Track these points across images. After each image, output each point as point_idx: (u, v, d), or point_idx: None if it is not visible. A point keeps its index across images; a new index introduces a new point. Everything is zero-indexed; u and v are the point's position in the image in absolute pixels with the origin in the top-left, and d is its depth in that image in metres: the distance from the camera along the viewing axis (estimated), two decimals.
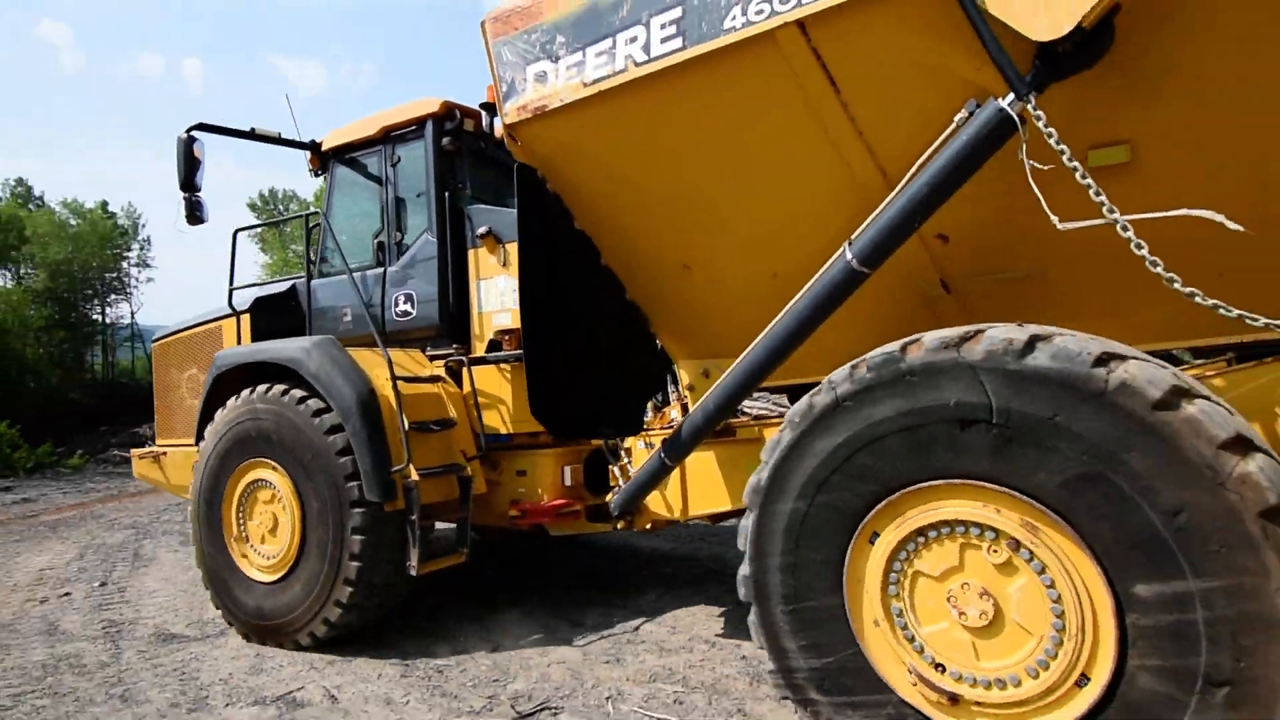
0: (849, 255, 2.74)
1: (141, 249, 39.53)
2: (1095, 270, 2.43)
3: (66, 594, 5.88)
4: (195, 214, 5.25)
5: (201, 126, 5.23)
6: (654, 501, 4.12)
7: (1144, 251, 2.26)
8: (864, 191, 2.84)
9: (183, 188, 5.13)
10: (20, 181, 43.00)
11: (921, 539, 2.45)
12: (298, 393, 4.48)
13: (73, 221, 35.90)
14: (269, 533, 4.60)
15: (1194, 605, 1.96)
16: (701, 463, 3.89)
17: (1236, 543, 1.90)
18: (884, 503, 2.46)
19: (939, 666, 2.40)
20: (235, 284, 5.60)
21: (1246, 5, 2.13)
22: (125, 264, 38.33)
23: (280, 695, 3.70)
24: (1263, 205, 2.29)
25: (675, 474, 3.98)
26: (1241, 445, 1.95)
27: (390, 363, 4.44)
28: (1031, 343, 2.19)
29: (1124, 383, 2.05)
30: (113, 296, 36.82)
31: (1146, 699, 2.03)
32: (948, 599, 2.40)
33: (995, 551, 2.32)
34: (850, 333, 2.81)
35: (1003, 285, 2.77)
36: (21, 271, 34.17)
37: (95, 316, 35.50)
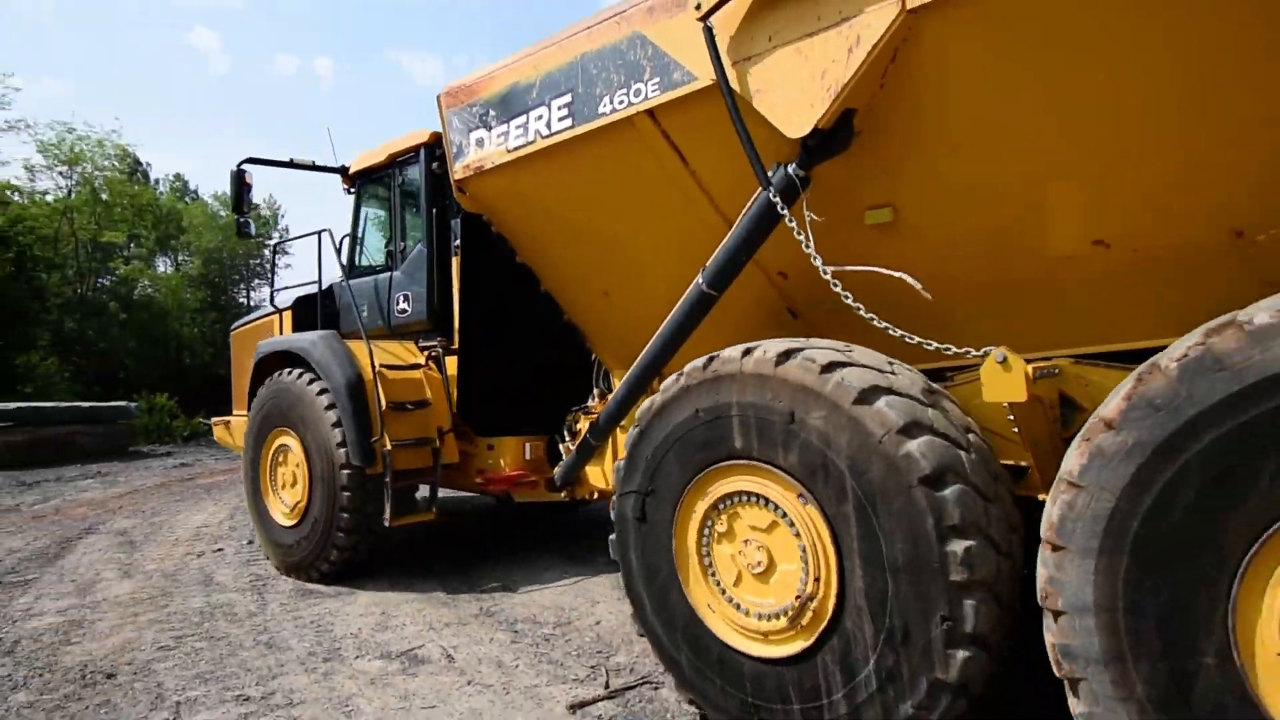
0: (700, 281, 3.42)
1: (280, 237, 42.38)
2: (895, 301, 2.96)
3: (219, 549, 6.49)
4: (243, 232, 6.34)
5: (250, 160, 6.21)
6: (593, 474, 4.79)
7: (850, 300, 2.94)
8: (715, 234, 3.42)
9: (234, 210, 6.23)
10: (178, 177, 46.99)
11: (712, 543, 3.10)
12: (309, 376, 5.41)
13: (222, 213, 38.98)
14: (290, 486, 5.58)
15: (830, 466, 2.59)
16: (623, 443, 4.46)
17: (805, 399, 2.65)
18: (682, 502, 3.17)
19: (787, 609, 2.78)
20: (276, 287, 6.79)
21: (959, 103, 2.66)
22: (267, 251, 41.30)
23: (404, 651, 3.99)
24: (997, 256, 2.88)
25: (608, 452, 4.61)
26: (787, 356, 2.74)
27: (371, 353, 5.21)
28: (708, 360, 3.01)
29: (757, 358, 2.81)
30: (256, 281, 39.79)
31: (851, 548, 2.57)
32: (740, 564, 2.93)
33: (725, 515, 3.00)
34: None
35: (836, 312, 3.25)
36: (179, 259, 37.38)
37: (241, 299, 38.51)
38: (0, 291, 21.44)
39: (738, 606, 2.92)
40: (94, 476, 12.15)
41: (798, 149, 2.98)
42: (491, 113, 4.16)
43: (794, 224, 3.04)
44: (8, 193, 26.01)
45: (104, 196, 27.92)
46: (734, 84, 3.06)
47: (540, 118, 3.87)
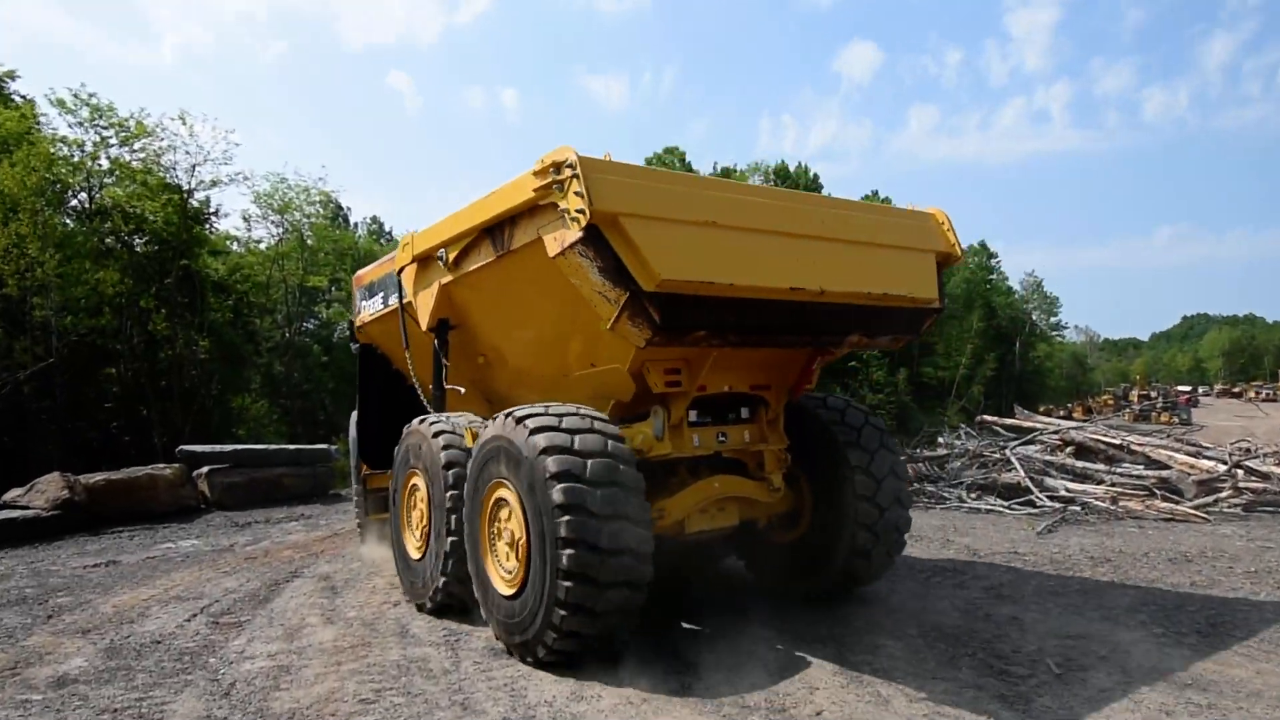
0: (431, 386, 7.36)
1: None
2: (502, 394, 7.11)
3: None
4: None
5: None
6: None
7: (457, 389, 7.13)
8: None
9: (351, 340, 10.44)
10: (374, 220, 52.41)
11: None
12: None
13: None
14: None
15: (428, 465, 6.59)
16: None
17: (422, 440, 6.66)
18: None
19: None
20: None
21: (480, 312, 6.67)
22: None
23: None
24: (520, 377, 6.82)
25: None
26: (433, 426, 6.55)
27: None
28: (437, 426, 6.51)
29: (428, 426, 6.57)
30: None
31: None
32: None
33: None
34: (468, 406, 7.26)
35: (508, 399, 6.75)
36: None
37: None
38: (220, 337, 24.86)
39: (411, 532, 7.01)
40: (298, 519, 13.47)
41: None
42: (364, 293, 8.66)
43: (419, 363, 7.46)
44: (228, 243, 30.23)
45: (309, 242, 31.66)
46: (411, 302, 7.23)
47: (375, 301, 8.32)
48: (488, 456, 5.44)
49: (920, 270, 5.97)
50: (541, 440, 4.91)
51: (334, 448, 20.47)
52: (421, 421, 6.68)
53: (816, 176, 52.35)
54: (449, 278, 6.38)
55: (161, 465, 15.35)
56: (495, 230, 5.58)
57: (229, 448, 17.30)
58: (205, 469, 15.71)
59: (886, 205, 6.13)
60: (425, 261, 6.75)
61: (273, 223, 31.27)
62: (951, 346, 53.49)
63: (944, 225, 6.19)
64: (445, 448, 6.19)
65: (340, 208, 42.69)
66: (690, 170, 47.28)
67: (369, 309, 8.43)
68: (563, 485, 4.73)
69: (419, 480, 6.64)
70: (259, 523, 13.11)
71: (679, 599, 6.65)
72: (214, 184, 24.88)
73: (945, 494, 12.90)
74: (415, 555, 6.72)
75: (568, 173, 4.62)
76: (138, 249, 23.17)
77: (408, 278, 7.17)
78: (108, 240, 22.46)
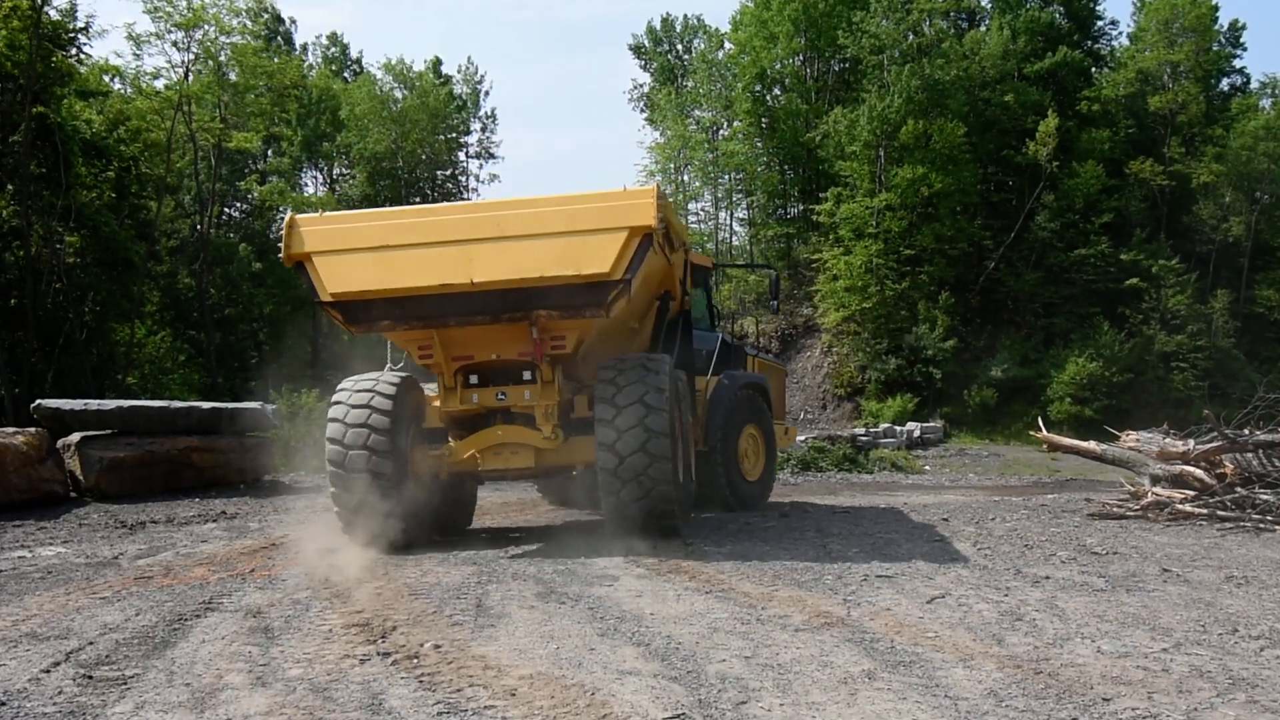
0: None
1: (485, 129, 36.85)
2: None
3: (389, 653, 5.60)
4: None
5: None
6: None
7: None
8: None
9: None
10: (334, 40, 42.80)
11: None
12: None
13: (400, 94, 33.18)
14: None
15: None
16: None
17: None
18: None
19: None
20: None
21: None
22: (462, 155, 35.60)
23: None
24: None
25: None
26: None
27: None
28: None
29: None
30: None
31: None
32: None
33: None
34: None
35: None
36: (335, 171, 32.50)
37: None
38: (96, 230, 18.85)
39: None
40: (216, 519, 12.06)
41: None
42: None
43: None
44: (107, 80, 23.00)
45: (232, 76, 24.47)
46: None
47: None
48: None
49: (595, 249, 7.86)
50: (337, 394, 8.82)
51: (272, 407, 16.91)
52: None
53: None
54: None
55: (9, 429, 12.94)
56: None
57: (111, 404, 14.82)
58: (76, 437, 13.51)
59: (570, 195, 8.20)
60: None
61: (175, 45, 24.10)
62: None
63: (646, 201, 7.89)
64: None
65: (280, 20, 36.40)
66: None
67: None
68: (330, 416, 8.62)
69: None
70: (157, 522, 11.79)
71: None
72: None
73: None
74: None
75: (286, 230, 8.26)
76: None
77: None
78: None
